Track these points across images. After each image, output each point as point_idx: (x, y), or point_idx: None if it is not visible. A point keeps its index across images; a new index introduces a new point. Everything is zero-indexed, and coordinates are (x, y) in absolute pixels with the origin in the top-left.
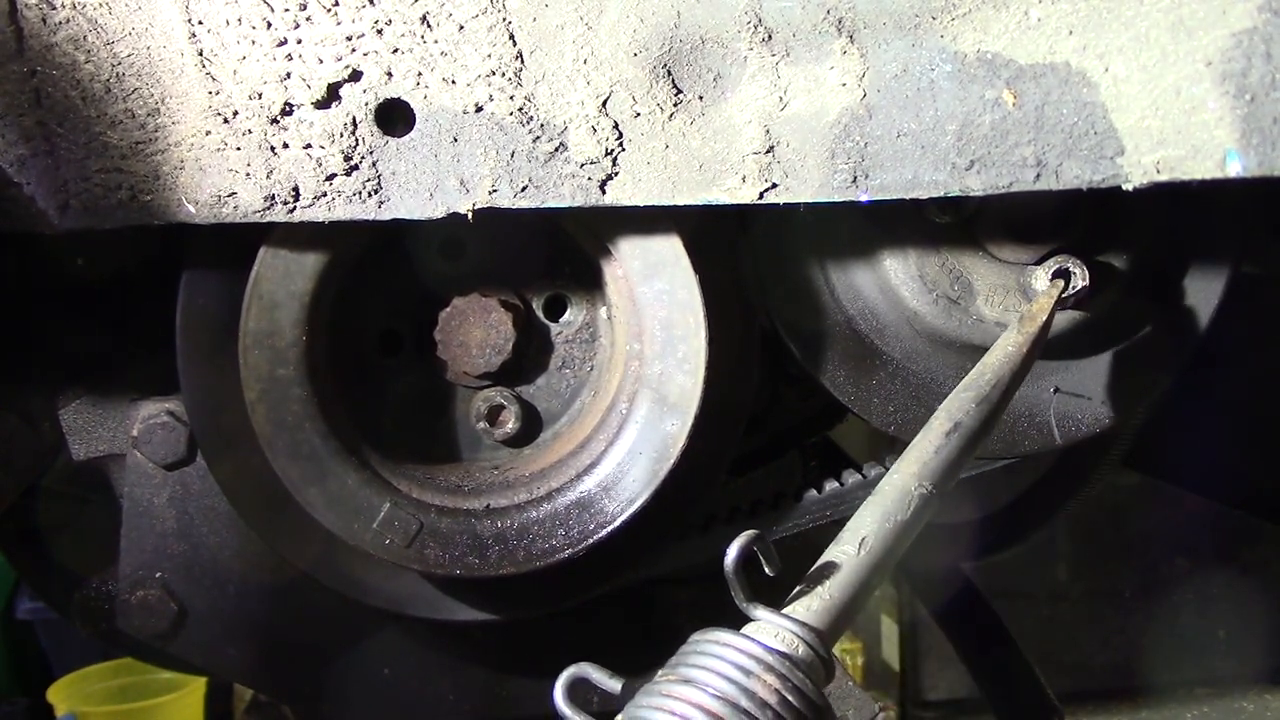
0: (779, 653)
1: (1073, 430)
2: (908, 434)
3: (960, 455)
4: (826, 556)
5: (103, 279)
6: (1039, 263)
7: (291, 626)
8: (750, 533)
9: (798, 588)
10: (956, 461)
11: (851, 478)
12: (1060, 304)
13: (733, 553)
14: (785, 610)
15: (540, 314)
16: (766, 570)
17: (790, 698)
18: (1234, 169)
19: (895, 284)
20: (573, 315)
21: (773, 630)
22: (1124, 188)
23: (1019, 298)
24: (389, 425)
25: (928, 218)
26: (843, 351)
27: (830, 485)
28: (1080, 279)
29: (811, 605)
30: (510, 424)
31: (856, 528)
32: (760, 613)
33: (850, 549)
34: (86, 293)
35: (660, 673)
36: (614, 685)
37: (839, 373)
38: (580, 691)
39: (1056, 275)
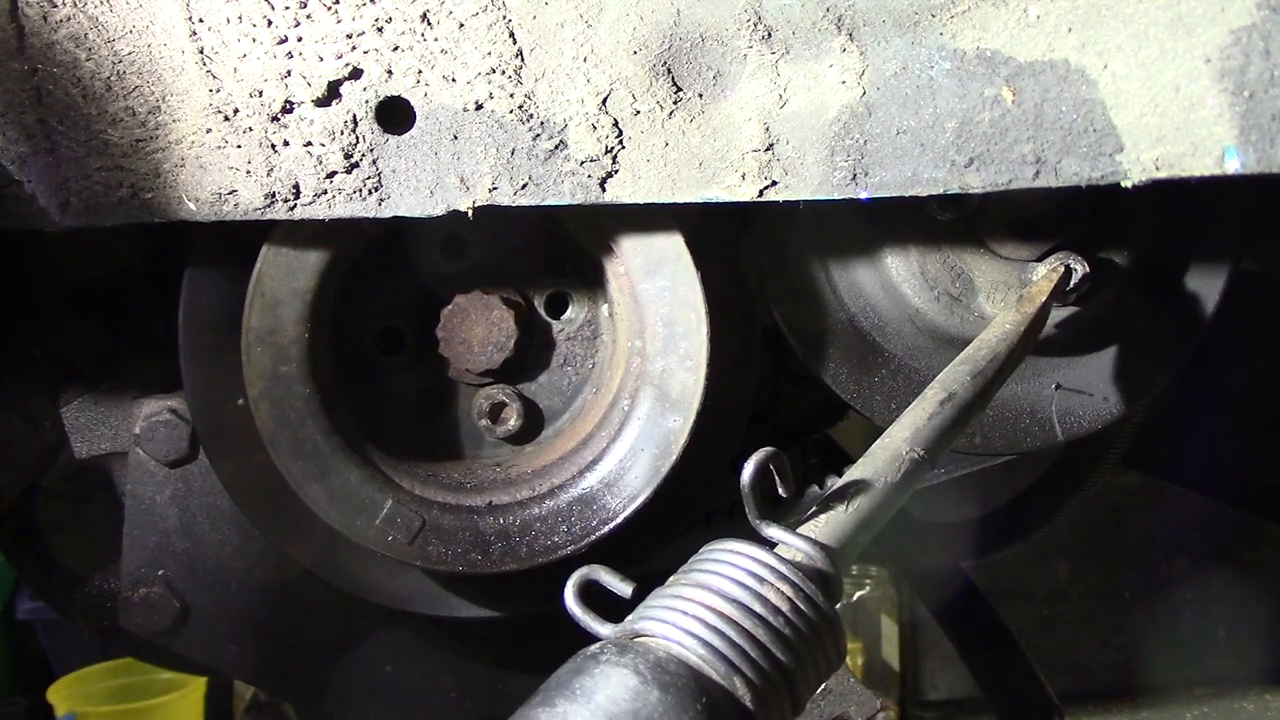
0: (792, 562)
1: (1074, 426)
2: None
3: (953, 424)
4: (820, 515)
5: (103, 278)
6: (1040, 259)
7: (294, 624)
8: (768, 449)
9: (801, 522)
10: (949, 430)
11: None
12: (1061, 298)
13: (750, 467)
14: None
15: (542, 311)
16: (780, 490)
17: (802, 606)
18: (1233, 166)
19: (897, 281)
20: (574, 312)
21: (785, 546)
22: (1123, 185)
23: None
24: (391, 422)
25: (929, 215)
26: (844, 349)
27: (831, 481)
28: (1081, 275)
29: (822, 527)
30: (512, 421)
31: (847, 483)
32: (773, 529)
33: (839, 506)
34: (87, 292)
35: (672, 578)
36: (625, 589)
37: (840, 370)
38: (592, 594)
39: (1059, 270)
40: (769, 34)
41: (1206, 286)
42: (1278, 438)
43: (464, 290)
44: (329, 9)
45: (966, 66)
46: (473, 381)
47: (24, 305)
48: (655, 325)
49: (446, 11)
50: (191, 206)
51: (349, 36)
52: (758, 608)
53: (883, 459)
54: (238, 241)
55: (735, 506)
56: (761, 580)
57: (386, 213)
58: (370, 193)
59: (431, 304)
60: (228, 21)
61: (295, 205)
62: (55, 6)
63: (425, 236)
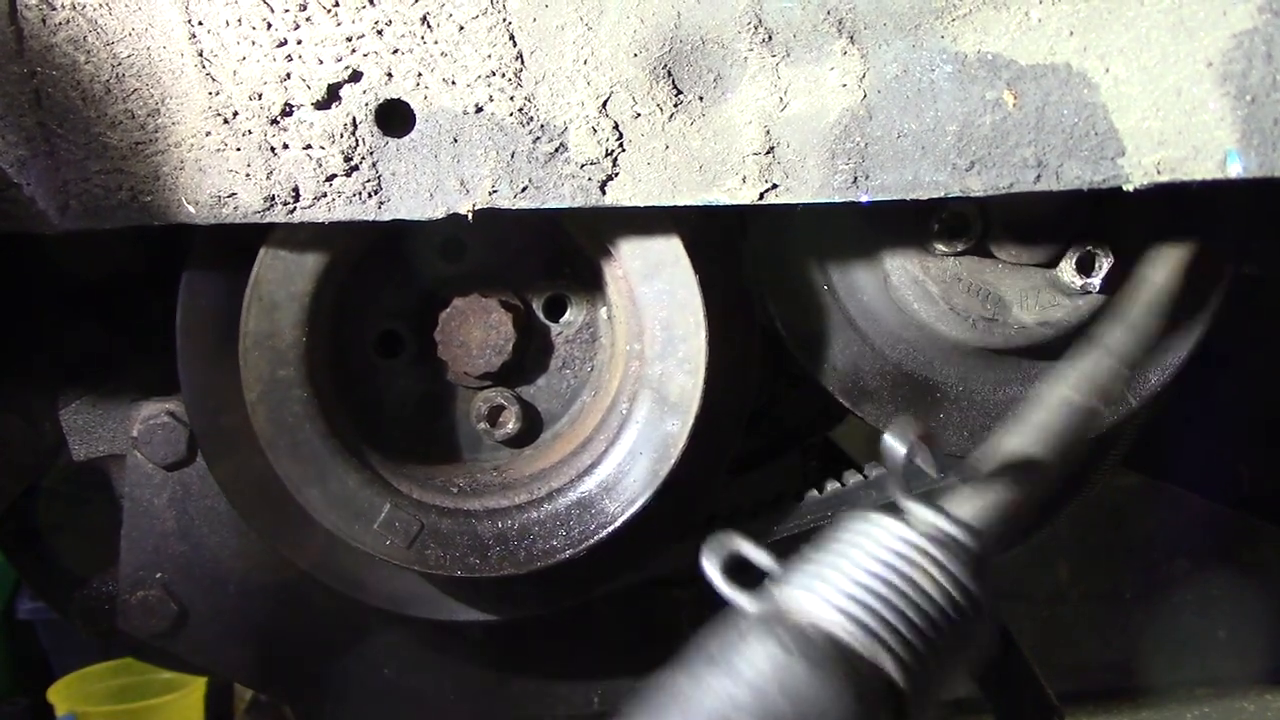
0: (944, 544)
1: (1143, 386)
2: None
3: (1111, 371)
4: (977, 462)
5: (102, 280)
6: (1061, 255)
7: (292, 627)
8: (909, 417)
9: (950, 489)
10: (1109, 376)
11: (853, 478)
12: (1089, 288)
13: (901, 443)
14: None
15: (540, 314)
16: (929, 471)
17: (953, 591)
18: (1234, 170)
19: (931, 322)
20: (573, 315)
21: (930, 524)
22: (1124, 188)
23: (1052, 293)
24: (389, 426)
25: (939, 255)
26: (843, 351)
27: (831, 485)
28: (1105, 261)
29: (969, 507)
30: (511, 424)
31: (997, 440)
32: (919, 506)
33: (992, 454)
34: (86, 293)
35: (814, 550)
36: (767, 560)
37: (838, 373)
38: (731, 564)
39: (1081, 262)
40: (769, 37)
41: (1207, 289)
42: (1278, 439)
43: (462, 293)
44: (328, 12)
45: (968, 70)
46: (471, 384)
47: (24, 307)
48: (654, 328)
49: (446, 14)
50: (191, 209)
51: (348, 39)
52: (907, 587)
53: (1035, 409)
54: (236, 244)
55: (736, 510)
56: (910, 560)
57: (386, 215)
58: (370, 195)
59: (430, 307)
60: (227, 24)
61: (294, 208)
62: (54, 9)
63: (424, 239)
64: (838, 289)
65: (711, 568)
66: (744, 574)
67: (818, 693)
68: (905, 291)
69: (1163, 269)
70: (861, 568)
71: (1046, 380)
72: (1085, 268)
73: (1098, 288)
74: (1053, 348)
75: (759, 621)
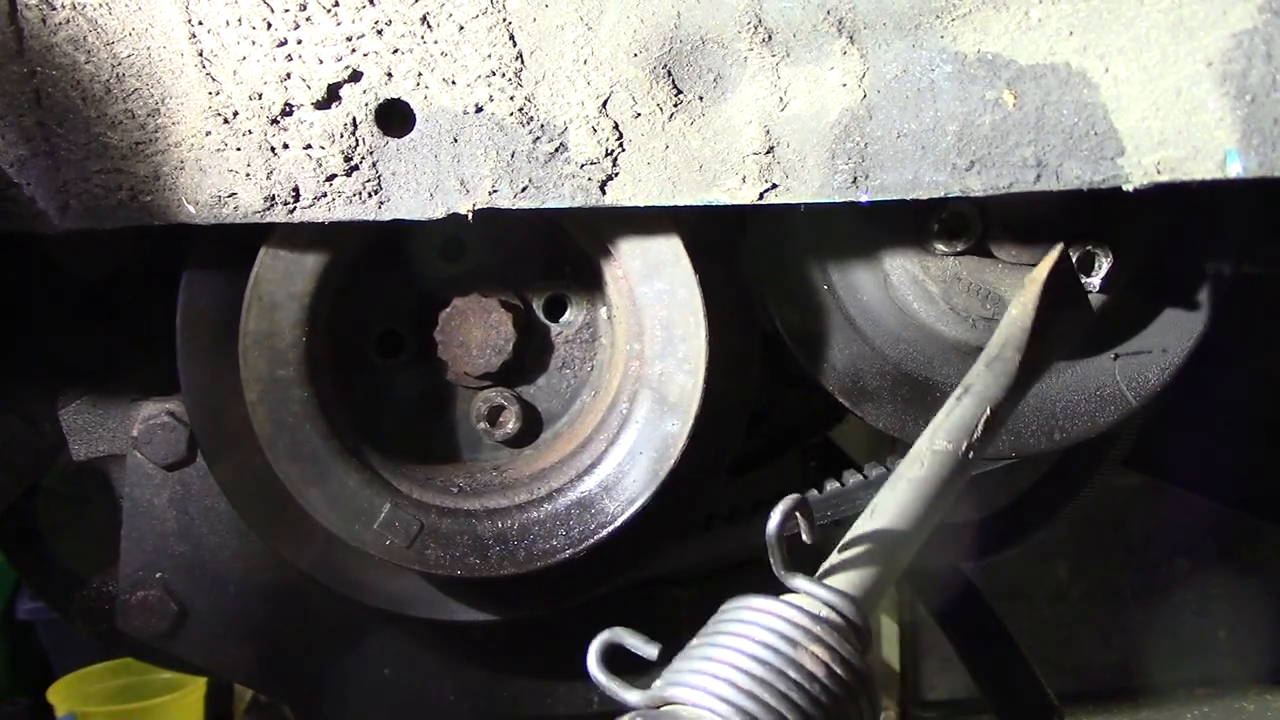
0: (826, 621)
1: (1144, 386)
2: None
3: (974, 411)
4: (851, 531)
5: (102, 280)
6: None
7: (292, 627)
8: (794, 496)
9: (827, 561)
10: (972, 417)
11: (852, 478)
12: (1090, 288)
13: (776, 517)
14: (822, 580)
15: (540, 314)
16: (805, 538)
17: (838, 669)
18: (1234, 169)
19: (931, 322)
20: (573, 315)
21: (814, 600)
22: (1124, 188)
23: None
24: (389, 426)
25: (939, 255)
26: (843, 352)
27: (831, 485)
28: (1105, 261)
29: (848, 576)
30: (511, 424)
31: (873, 501)
32: (800, 582)
33: (863, 518)
34: (86, 293)
35: (697, 639)
36: (650, 651)
37: (838, 373)
38: (615, 658)
39: (1081, 261)
40: (769, 36)
41: (1206, 288)
42: (1278, 439)
43: (462, 293)
44: (328, 11)
45: (967, 69)
46: (471, 384)
47: (24, 307)
48: (654, 328)
49: (446, 14)
50: (191, 209)
51: (348, 39)
52: (791, 671)
53: (905, 463)
54: (236, 244)
55: (735, 510)
56: (793, 642)
57: (386, 215)
58: (370, 195)
59: (430, 307)
60: (227, 24)
61: (295, 208)
62: (54, 9)
63: (424, 239)
64: (837, 289)
65: (595, 663)
66: (628, 664)
67: None
68: (905, 291)
69: (1020, 303)
70: (744, 653)
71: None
72: (1085, 268)
73: (1097, 287)
74: None
75: (648, 717)
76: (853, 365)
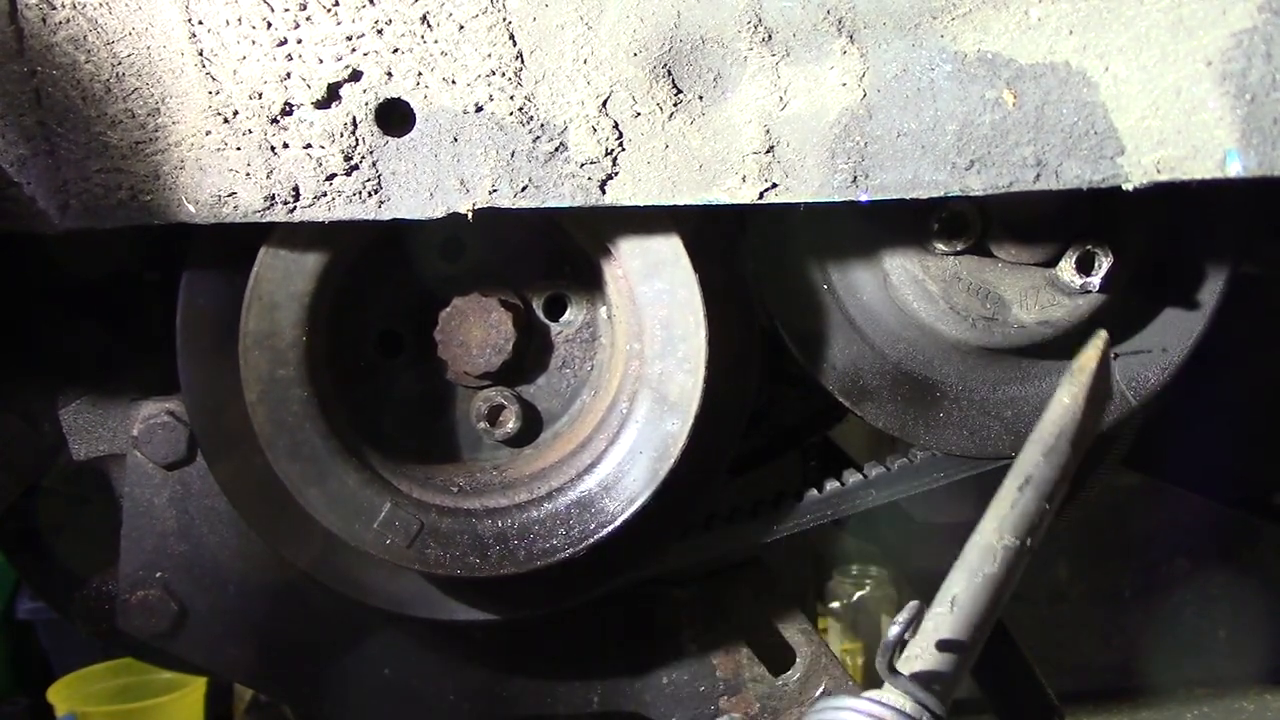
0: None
1: (1144, 386)
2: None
3: (1037, 504)
4: (931, 621)
5: (102, 280)
6: (1060, 254)
7: (292, 627)
8: (915, 604)
9: (914, 657)
10: (1035, 511)
11: (852, 477)
12: (1089, 287)
13: (897, 627)
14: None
15: (540, 314)
16: (906, 637)
17: None
18: (1234, 169)
19: (931, 321)
20: (573, 315)
21: (910, 700)
22: (1124, 187)
23: (1051, 293)
24: (389, 425)
25: (939, 254)
26: (843, 351)
27: (831, 485)
28: (1105, 261)
29: (936, 673)
30: (510, 424)
31: (947, 588)
32: (901, 682)
33: (942, 609)
34: (86, 293)
35: None
36: None
37: (838, 372)
38: None
39: (1081, 261)
40: (769, 36)
41: (1206, 288)
42: (1277, 440)
43: (462, 293)
44: (328, 11)
45: (967, 69)
46: (471, 384)
47: (24, 307)
48: (653, 328)
49: (446, 14)
50: (191, 209)
51: (349, 39)
52: None
53: (978, 557)
54: (236, 244)
55: (736, 510)
56: None
57: (386, 215)
58: (370, 195)
59: (430, 306)
60: (227, 24)
61: (295, 207)
62: (54, 9)
63: (424, 239)
64: (837, 288)
65: None
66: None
67: None
68: (905, 291)
69: (1070, 393)
70: None
71: (975, 528)
72: (1085, 267)
73: (1097, 287)
74: (1052, 347)
75: None
76: (852, 365)
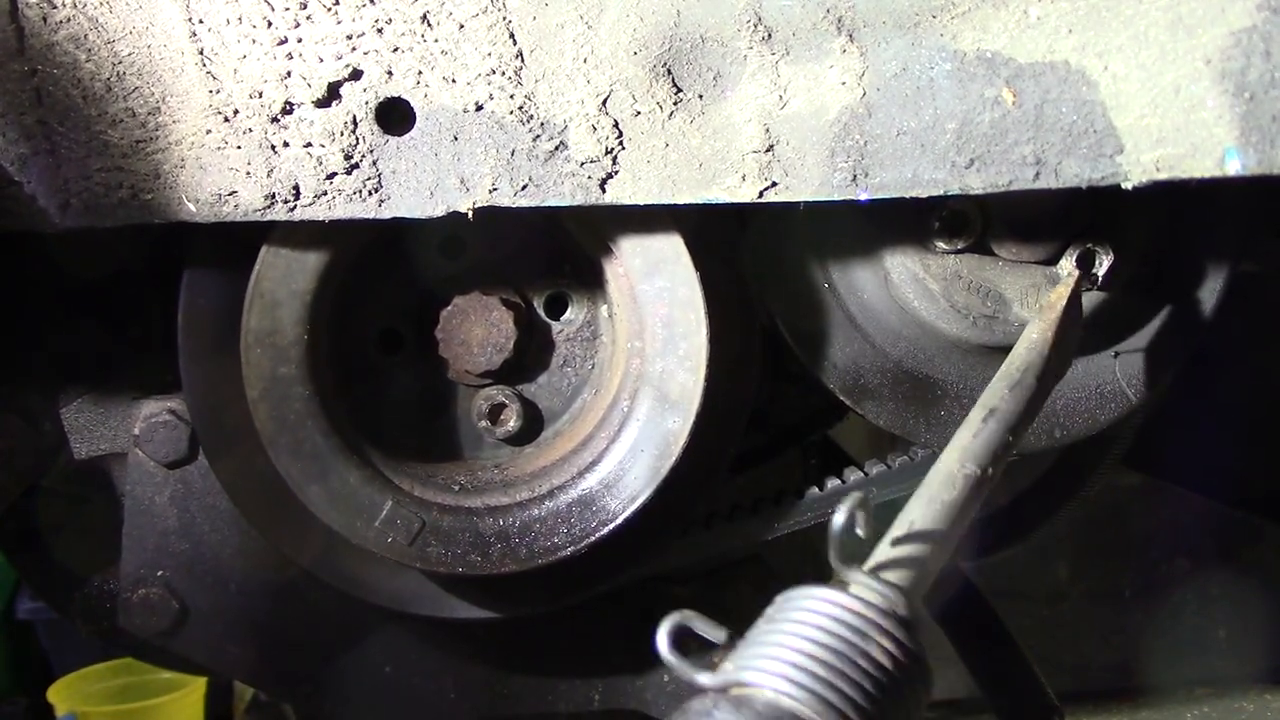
0: (891, 615)
1: (1141, 386)
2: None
3: (1000, 436)
4: (892, 532)
5: (103, 278)
6: (1061, 252)
7: (293, 625)
8: (858, 494)
9: (873, 558)
10: (998, 442)
11: (853, 475)
12: (1090, 284)
13: (842, 513)
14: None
15: (541, 312)
16: (860, 533)
17: (903, 660)
18: (1233, 167)
19: (931, 320)
20: (574, 313)
21: (874, 593)
22: (1123, 186)
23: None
24: (390, 424)
25: (940, 252)
26: (843, 350)
27: (832, 482)
28: (1106, 259)
29: (897, 574)
30: (512, 422)
31: (906, 513)
32: (861, 577)
33: (900, 532)
34: (86, 293)
35: (763, 626)
36: (719, 635)
37: (839, 371)
38: (683, 641)
39: (1082, 259)
40: (769, 35)
41: (1206, 287)
42: (1277, 440)
43: (463, 291)
44: (329, 10)
45: (967, 68)
46: (472, 383)
47: (24, 306)
48: (654, 326)
49: (447, 13)
50: (191, 207)
51: (349, 38)
52: (861, 660)
53: (938, 484)
54: (237, 242)
55: (737, 509)
56: (862, 633)
57: (386, 214)
58: (370, 194)
59: (431, 305)
60: (227, 23)
61: (295, 206)
62: (55, 8)
63: (425, 237)
64: (838, 287)
65: (665, 645)
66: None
67: None
68: (906, 289)
69: (1039, 328)
70: (815, 640)
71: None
72: (1086, 265)
73: (1099, 284)
74: None
75: (726, 703)
76: (854, 363)
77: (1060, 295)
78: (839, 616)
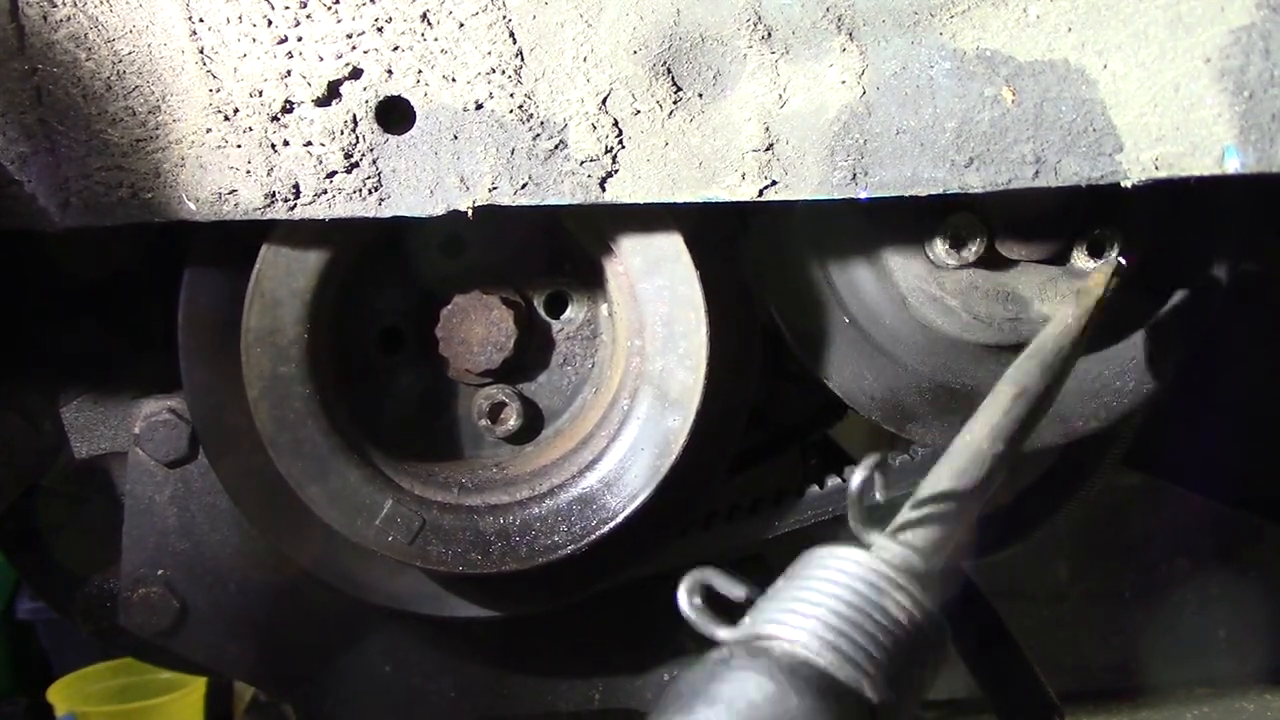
0: (907, 572)
1: (1144, 385)
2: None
3: (1027, 419)
4: (918, 494)
5: (103, 278)
6: (1069, 246)
7: (293, 624)
8: (875, 455)
9: (897, 520)
10: (1025, 424)
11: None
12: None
13: (859, 475)
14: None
15: (541, 311)
16: (879, 498)
17: (919, 616)
18: (1232, 165)
19: (957, 333)
20: (574, 312)
21: (893, 553)
22: (1122, 184)
23: (1069, 281)
24: (391, 423)
25: (948, 267)
26: (844, 349)
27: (832, 481)
28: (1116, 242)
29: (918, 534)
30: (512, 421)
31: (930, 481)
32: (878, 537)
33: (923, 496)
34: (86, 292)
35: (783, 583)
36: (740, 592)
37: (839, 370)
38: (702, 597)
39: (1094, 247)
40: (769, 34)
41: (1207, 288)
42: (1278, 440)
43: (463, 290)
44: (329, 9)
45: (966, 66)
46: (472, 381)
47: (24, 305)
48: (654, 324)
49: (446, 11)
50: (191, 206)
51: (349, 36)
52: (878, 615)
53: (965, 459)
54: (237, 241)
55: (737, 508)
56: (879, 589)
57: (386, 212)
58: (370, 192)
59: (431, 304)
60: (228, 21)
61: (295, 205)
62: (55, 6)
63: (425, 236)
64: (859, 320)
65: (685, 600)
66: (721, 609)
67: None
68: (926, 310)
69: (1076, 314)
70: (834, 596)
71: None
72: (1097, 251)
73: (1119, 270)
74: None
75: (744, 653)
76: (889, 390)
77: (1099, 281)
78: (858, 574)
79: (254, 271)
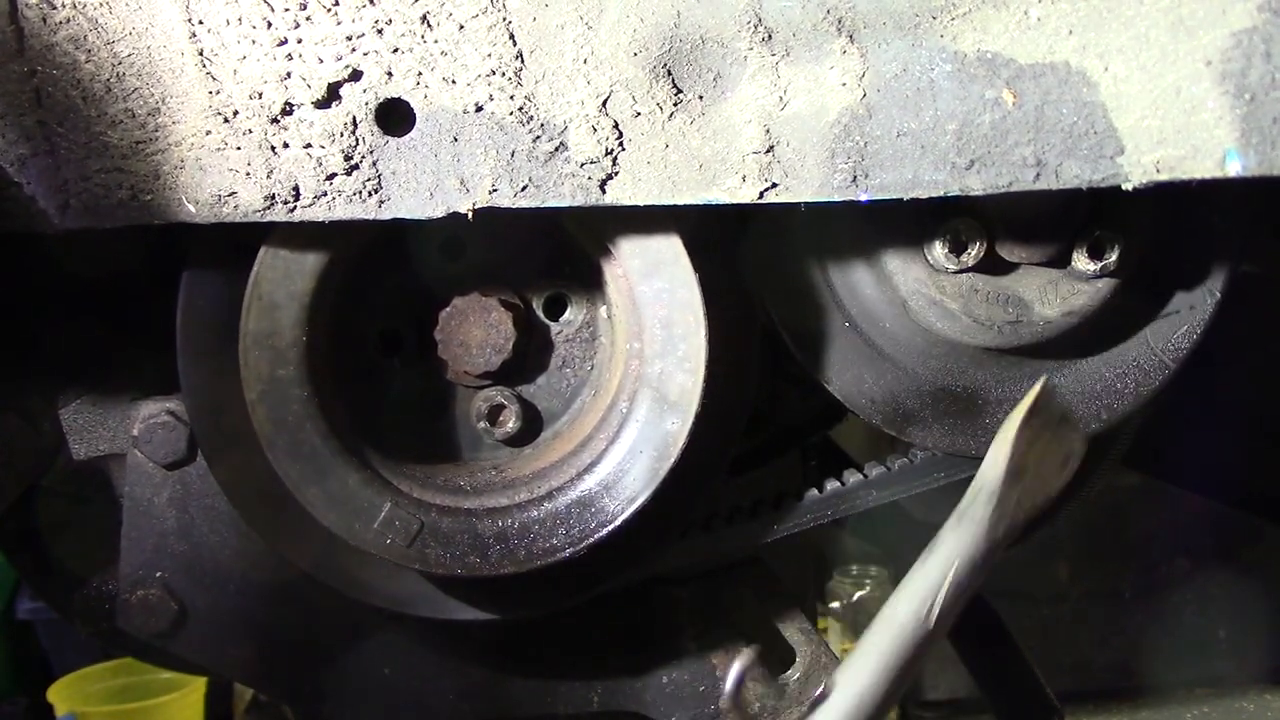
0: None
1: (1144, 385)
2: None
3: (938, 579)
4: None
5: (102, 279)
6: (1070, 246)
7: (292, 626)
8: (749, 654)
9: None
10: (936, 585)
11: (852, 477)
12: (1104, 272)
13: (731, 678)
14: None
15: (540, 313)
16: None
17: None
18: (1234, 168)
19: (957, 336)
20: (573, 314)
21: None
22: (1123, 187)
23: (1070, 283)
24: (389, 425)
25: (949, 272)
26: (843, 352)
27: (831, 484)
28: (1117, 243)
29: None
30: (511, 423)
31: (844, 669)
32: None
33: (841, 691)
34: (86, 293)
35: None
36: None
37: (838, 372)
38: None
39: (1095, 249)
40: (769, 36)
41: (1206, 287)
42: (1278, 440)
43: (462, 292)
44: (329, 11)
45: (967, 69)
46: (471, 384)
47: (23, 306)
48: (653, 327)
49: (446, 13)
50: (191, 208)
51: (349, 38)
52: None
53: (878, 635)
54: (237, 243)
55: (736, 510)
56: None
57: (386, 215)
58: (370, 195)
59: (430, 306)
60: (227, 23)
61: (295, 207)
62: (55, 8)
63: (424, 238)
64: (859, 323)
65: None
66: None
67: None
68: (926, 314)
69: (991, 455)
70: None
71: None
72: (1098, 252)
73: (1115, 268)
74: (1081, 332)
75: None
76: (890, 394)
77: (1019, 412)
78: None
79: (252, 274)
